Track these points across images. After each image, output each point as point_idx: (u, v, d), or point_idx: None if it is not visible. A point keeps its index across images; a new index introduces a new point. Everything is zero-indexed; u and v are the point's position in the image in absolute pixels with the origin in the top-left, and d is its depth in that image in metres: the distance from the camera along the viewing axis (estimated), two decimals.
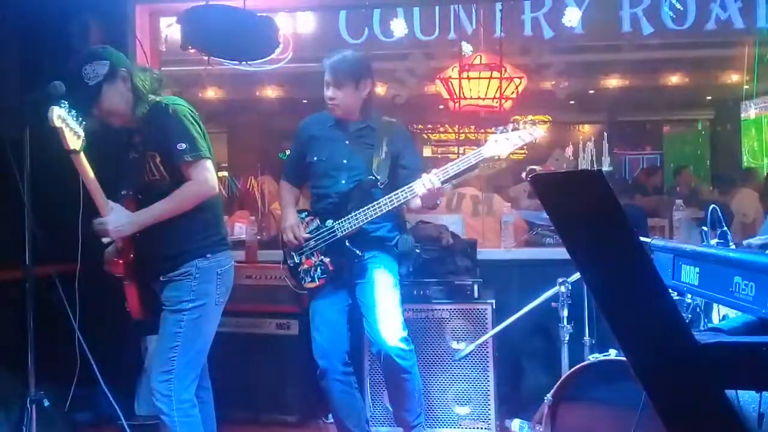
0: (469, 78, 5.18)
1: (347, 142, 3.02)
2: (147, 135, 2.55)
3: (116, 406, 2.72)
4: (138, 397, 3.69)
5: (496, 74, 5.10)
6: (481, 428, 3.43)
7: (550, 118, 8.07)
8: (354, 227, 2.90)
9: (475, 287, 3.53)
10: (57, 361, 2.91)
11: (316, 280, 2.97)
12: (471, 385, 3.43)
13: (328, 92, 2.95)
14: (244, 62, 3.82)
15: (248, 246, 4.00)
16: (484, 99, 3.96)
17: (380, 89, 5.48)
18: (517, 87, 5.20)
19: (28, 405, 2.61)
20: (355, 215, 2.90)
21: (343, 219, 2.92)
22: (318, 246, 2.97)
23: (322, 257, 2.97)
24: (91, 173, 2.50)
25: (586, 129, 10.56)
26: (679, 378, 0.98)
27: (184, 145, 2.45)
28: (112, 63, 2.54)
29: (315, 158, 3.03)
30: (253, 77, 8.03)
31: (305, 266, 2.99)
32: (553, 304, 2.90)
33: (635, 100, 8.65)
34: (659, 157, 10.47)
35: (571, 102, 7.98)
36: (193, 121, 2.53)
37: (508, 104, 4.07)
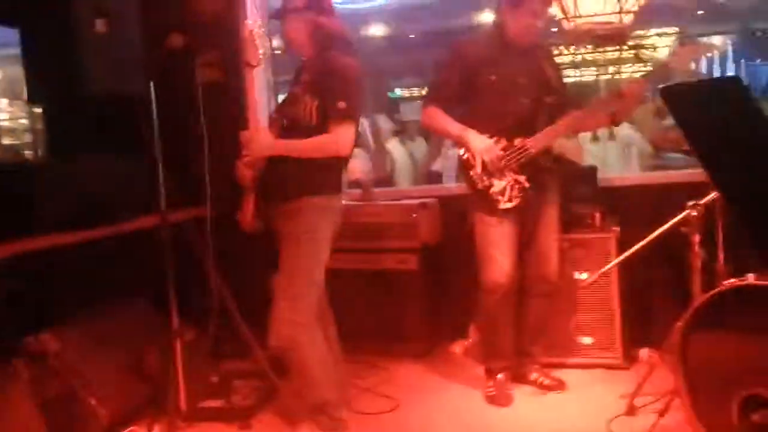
0: None
1: (520, 62, 3.02)
2: (314, 79, 2.70)
3: (249, 335, 2.90)
4: (270, 329, 3.91)
5: None
6: (608, 357, 3.37)
7: (677, 29, 7.44)
8: (549, 142, 2.97)
9: (597, 215, 3.42)
10: (198, 300, 3.14)
11: (513, 199, 2.98)
12: (595, 315, 3.36)
13: (538, 21, 2.97)
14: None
15: (364, 185, 4.06)
16: (601, 15, 3.69)
17: None
18: None
19: (172, 339, 2.84)
20: (549, 130, 2.95)
21: (536, 136, 2.95)
22: (510, 165, 2.97)
23: (516, 176, 2.98)
24: (253, 90, 2.81)
25: (718, 41, 9.70)
26: None
27: (343, 105, 2.59)
28: (307, 3, 2.71)
29: (492, 77, 3.00)
30: (359, 15, 7.99)
31: (498, 187, 2.98)
32: (683, 229, 2.74)
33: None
34: None
35: (700, 12, 7.32)
36: (358, 85, 2.66)
37: (628, 18, 3.77)
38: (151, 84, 2.78)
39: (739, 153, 0.91)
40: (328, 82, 2.64)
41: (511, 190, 2.97)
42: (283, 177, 2.69)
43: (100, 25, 2.56)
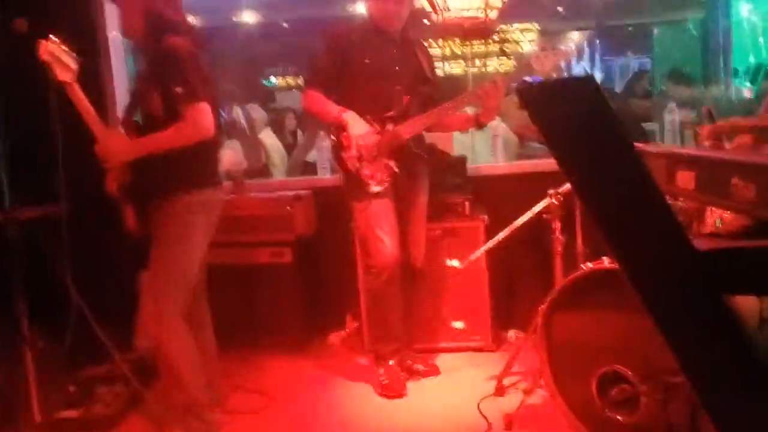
0: None
1: (395, 50, 3.10)
2: (151, 68, 2.59)
3: (104, 339, 2.75)
4: (137, 330, 3.71)
5: None
6: (477, 341, 3.48)
7: (537, 26, 7.83)
8: (419, 130, 3.06)
9: (466, 204, 3.51)
10: (55, 302, 2.91)
11: (382, 183, 3.02)
12: (466, 301, 3.46)
13: (393, 6, 3.00)
14: None
15: (235, 177, 3.93)
16: (468, 10, 3.81)
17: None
18: None
19: (21, 347, 2.62)
20: (421, 118, 3.02)
21: (407, 122, 3.01)
22: (381, 151, 3.00)
23: (386, 161, 3.01)
24: (86, 102, 2.58)
25: (576, 36, 10.27)
26: (677, 286, 0.95)
27: (180, 89, 2.46)
28: None
29: (367, 60, 3.03)
30: (230, 2, 7.75)
31: (369, 170, 3.01)
32: (544, 216, 2.87)
33: (623, 4, 8.39)
34: (650, 60, 10.26)
35: (559, 9, 7.73)
36: (194, 63, 2.51)
37: (494, 14, 3.92)
38: None
39: (589, 151, 0.93)
40: (163, 68, 2.52)
41: (381, 173, 3.01)
42: (151, 177, 2.57)
43: None
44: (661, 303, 0.96)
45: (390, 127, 3.03)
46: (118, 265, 3.61)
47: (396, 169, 3.03)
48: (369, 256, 3.09)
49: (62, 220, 2.89)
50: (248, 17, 8.80)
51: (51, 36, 2.46)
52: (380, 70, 3.05)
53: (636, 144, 2.12)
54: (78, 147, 2.65)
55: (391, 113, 3.04)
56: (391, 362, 3.15)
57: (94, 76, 3.68)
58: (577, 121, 0.92)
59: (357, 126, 3.00)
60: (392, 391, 3.07)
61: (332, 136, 3.10)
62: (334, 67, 3.06)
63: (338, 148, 3.05)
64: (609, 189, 0.93)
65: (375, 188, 3.02)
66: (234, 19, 8.68)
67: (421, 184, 3.22)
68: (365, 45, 3.05)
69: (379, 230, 3.03)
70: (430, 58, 3.30)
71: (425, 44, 3.36)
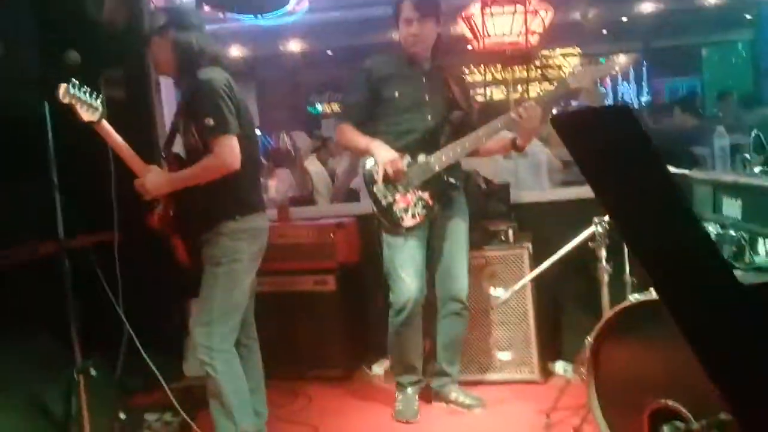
0: (492, 14, 4.98)
1: (424, 79, 3.06)
2: (187, 102, 2.65)
3: (155, 369, 2.79)
4: (186, 358, 3.77)
5: (520, 8, 4.89)
6: (525, 372, 3.41)
7: (579, 50, 7.77)
8: (452, 159, 2.97)
9: (510, 232, 3.47)
10: (105, 331, 2.98)
11: (417, 216, 2.97)
12: (511, 331, 3.41)
13: (412, 28, 2.98)
14: (259, 16, 3.74)
15: (279, 205, 3.99)
16: (509, 35, 3.81)
17: None
18: (543, 20, 4.98)
19: (75, 375, 2.68)
20: (453, 147, 2.95)
21: (439, 153, 2.96)
22: (413, 182, 2.97)
23: (420, 193, 2.97)
24: (119, 139, 2.65)
25: (622, 58, 10.15)
26: (721, 323, 0.92)
27: (211, 122, 2.51)
28: (168, 22, 2.63)
29: (396, 94, 3.02)
30: (275, 31, 7.92)
31: (401, 204, 2.98)
32: (590, 244, 2.81)
33: (670, 25, 8.26)
34: (699, 82, 10.06)
35: (603, 31, 7.67)
36: (225, 95, 2.56)
37: (534, 39, 3.91)
38: (46, 104, 2.63)
39: (624, 183, 0.92)
40: (196, 100, 2.57)
41: (415, 207, 2.98)
42: (193, 208, 2.62)
43: None
44: (705, 341, 0.93)
45: (422, 157, 2.99)
46: (169, 294, 3.67)
47: (431, 202, 2.98)
48: (391, 293, 3.08)
49: (114, 249, 2.97)
50: (294, 46, 8.97)
51: (72, 78, 2.52)
52: (410, 102, 3.03)
53: (682, 171, 2.07)
54: (130, 178, 2.73)
55: (422, 144, 3.00)
56: (409, 390, 3.16)
57: (143, 110, 3.80)
58: (612, 152, 0.91)
59: (384, 153, 2.96)
60: (402, 416, 3.11)
61: (363, 171, 3.08)
62: (365, 101, 3.07)
63: (369, 183, 3.02)
64: (646, 222, 0.91)
65: (408, 223, 2.98)
66: (280, 48, 8.87)
67: (458, 214, 3.14)
68: (395, 77, 3.04)
69: (402, 270, 3.01)
70: (463, 85, 3.25)
71: (460, 71, 3.37)
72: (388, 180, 2.97)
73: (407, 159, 2.99)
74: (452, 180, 3.04)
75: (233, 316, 2.63)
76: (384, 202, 2.99)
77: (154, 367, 2.77)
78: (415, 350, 3.16)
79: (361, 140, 3.05)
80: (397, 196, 2.98)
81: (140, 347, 2.79)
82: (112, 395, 3.02)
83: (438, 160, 2.97)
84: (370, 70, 3.08)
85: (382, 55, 3.16)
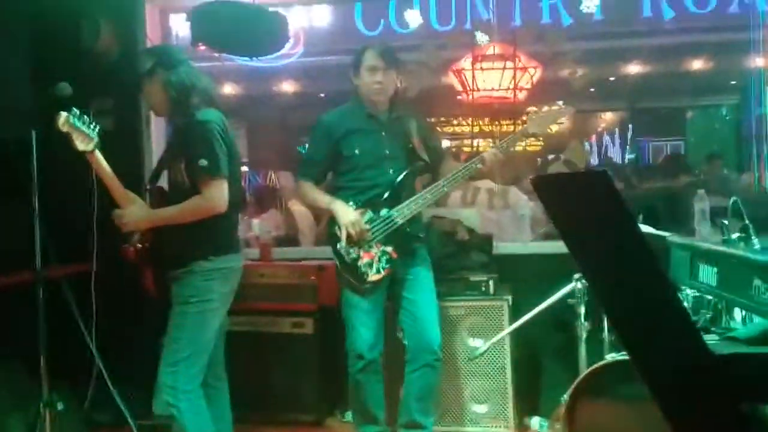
0: (482, 69, 5.10)
1: (384, 133, 3.06)
2: (178, 140, 2.67)
3: (122, 406, 2.74)
4: (155, 395, 3.69)
5: (509, 64, 5.01)
6: (500, 426, 3.37)
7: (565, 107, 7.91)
8: (415, 212, 2.97)
9: (491, 283, 3.47)
10: (75, 363, 2.92)
11: (381, 270, 2.95)
12: (488, 383, 3.38)
13: (377, 77, 2.98)
14: (254, 58, 3.79)
15: (262, 245, 3.97)
16: (497, 90, 3.89)
17: None
18: (531, 77, 5.11)
19: (41, 409, 2.62)
20: (415, 200, 2.95)
21: (401, 206, 2.95)
22: (377, 237, 2.95)
23: (383, 247, 2.95)
24: (108, 170, 2.64)
25: (609, 117, 10.36)
26: (693, 392, 0.92)
27: (204, 162, 2.52)
28: (155, 63, 2.64)
29: (356, 151, 3.02)
30: (269, 72, 8.00)
31: (366, 259, 2.95)
32: (569, 300, 2.82)
33: (657, 87, 8.46)
34: (683, 143, 10.26)
35: (591, 90, 7.83)
36: (220, 137, 2.58)
37: (522, 95, 3.99)
38: (33, 132, 2.64)
39: (600, 248, 0.93)
40: (188, 141, 2.59)
41: (379, 261, 2.95)
42: (170, 243, 2.62)
43: None
44: (676, 409, 0.93)
45: (384, 212, 2.97)
46: (142, 329, 3.62)
47: (395, 255, 2.96)
48: (348, 343, 3.05)
49: (92, 280, 2.94)
50: (287, 87, 9.05)
51: (72, 107, 2.55)
52: (371, 158, 3.01)
53: (660, 233, 2.10)
54: (109, 210, 2.72)
55: (384, 198, 2.99)
56: None
57: (131, 142, 3.80)
58: (587, 216, 0.92)
59: (345, 215, 2.95)
60: None
61: (328, 230, 3.06)
62: (323, 159, 3.08)
63: (333, 241, 3.00)
64: (618, 284, 0.92)
65: (373, 278, 2.95)
66: (273, 88, 8.94)
67: (422, 263, 3.09)
68: (355, 134, 3.03)
69: (359, 323, 2.99)
70: (424, 132, 3.18)
71: (420, 117, 3.30)
72: (350, 239, 2.94)
73: (369, 214, 2.98)
74: (415, 232, 3.03)
75: (201, 357, 2.60)
76: (348, 259, 2.97)
77: (121, 404, 2.71)
78: (376, 400, 3.08)
79: (321, 199, 3.07)
80: (361, 252, 2.96)
81: (109, 382, 2.74)
82: (77, 430, 2.95)
83: (401, 213, 2.96)
84: (329, 126, 3.08)
85: (339, 109, 3.15)
